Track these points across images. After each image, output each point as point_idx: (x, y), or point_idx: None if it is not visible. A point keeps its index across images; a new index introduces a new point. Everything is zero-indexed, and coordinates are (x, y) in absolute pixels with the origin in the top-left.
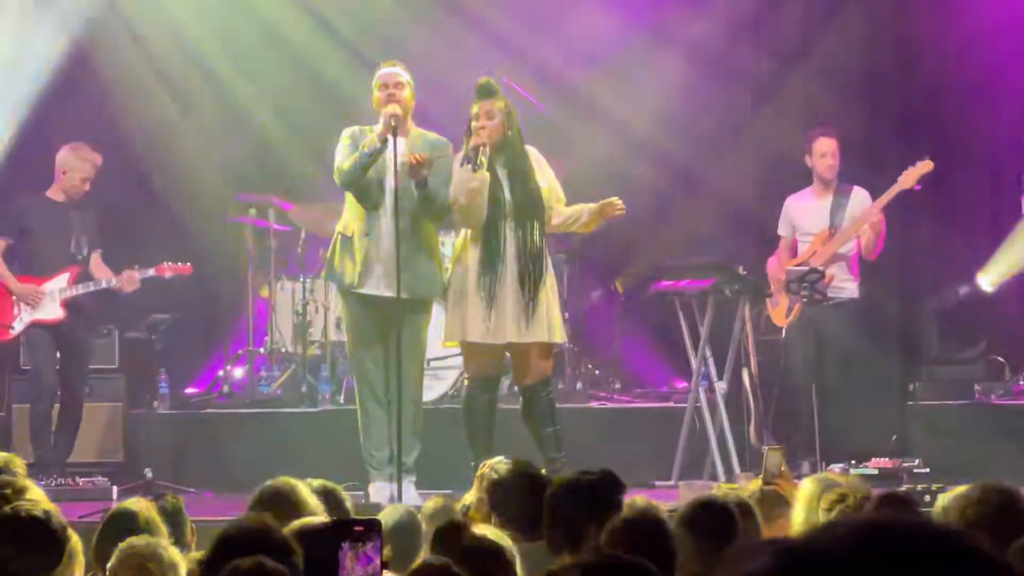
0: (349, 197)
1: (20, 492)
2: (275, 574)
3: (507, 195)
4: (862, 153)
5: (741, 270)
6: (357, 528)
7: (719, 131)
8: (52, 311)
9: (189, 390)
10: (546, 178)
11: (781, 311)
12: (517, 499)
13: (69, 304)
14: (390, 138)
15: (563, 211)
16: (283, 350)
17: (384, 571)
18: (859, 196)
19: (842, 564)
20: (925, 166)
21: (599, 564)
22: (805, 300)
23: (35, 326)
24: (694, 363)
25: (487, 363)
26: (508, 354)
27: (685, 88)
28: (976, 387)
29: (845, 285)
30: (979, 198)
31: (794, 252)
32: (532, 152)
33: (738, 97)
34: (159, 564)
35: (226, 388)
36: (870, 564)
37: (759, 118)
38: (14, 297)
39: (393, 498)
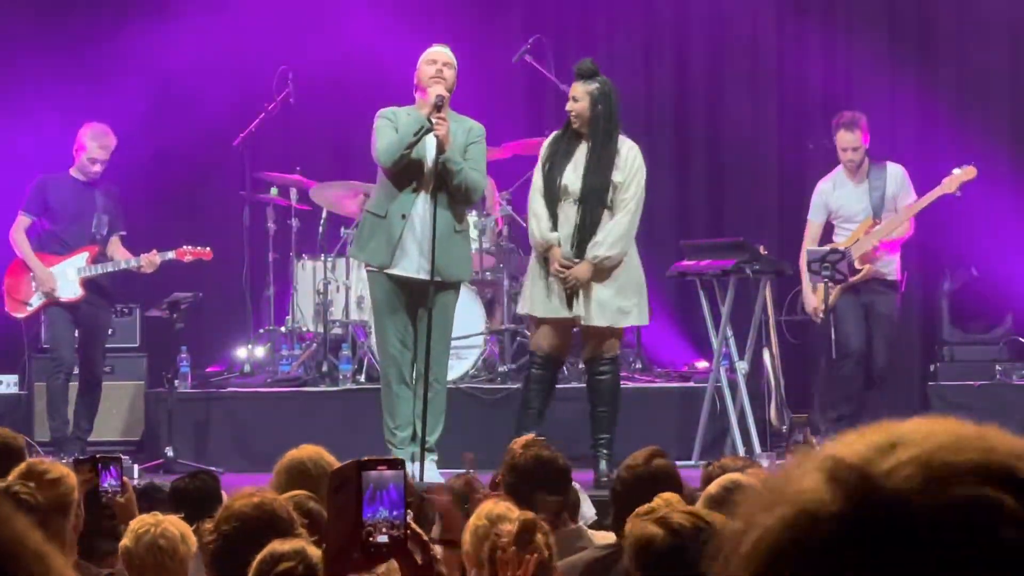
0: (382, 176)
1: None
2: (317, 560)
3: (579, 179)
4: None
5: (763, 250)
6: (381, 468)
7: (746, 105)
8: (71, 290)
9: (210, 369)
10: (624, 175)
11: (819, 297)
12: (529, 481)
13: (88, 283)
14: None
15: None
16: (304, 329)
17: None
18: (894, 171)
19: (902, 498)
20: (968, 173)
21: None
22: (827, 280)
23: (53, 304)
24: (715, 343)
25: (548, 339)
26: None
27: (709, 60)
28: (997, 368)
29: (890, 267)
30: (1002, 176)
31: (827, 238)
32: (625, 145)
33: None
34: (170, 540)
35: (247, 367)
36: (931, 500)
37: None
38: (32, 274)
39: (414, 477)
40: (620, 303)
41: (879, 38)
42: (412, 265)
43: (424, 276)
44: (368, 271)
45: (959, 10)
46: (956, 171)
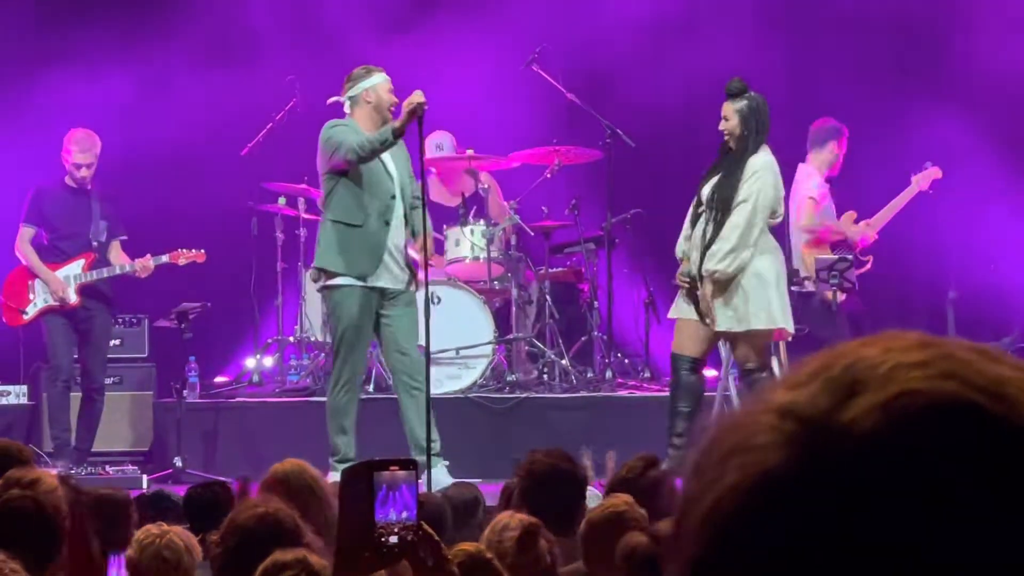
0: (348, 184)
1: (32, 485)
2: (319, 569)
3: (709, 190)
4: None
5: None
6: (393, 468)
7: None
8: (67, 297)
9: (219, 379)
10: (752, 190)
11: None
12: (548, 491)
13: (84, 290)
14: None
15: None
16: (313, 339)
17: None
18: None
19: (871, 451)
20: (934, 173)
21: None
22: (835, 288)
23: (50, 312)
24: (723, 352)
25: (679, 339)
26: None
27: (713, 68)
28: None
29: None
30: (1009, 187)
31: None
32: (758, 159)
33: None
34: (174, 551)
35: (256, 377)
36: (906, 449)
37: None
38: (29, 283)
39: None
40: (720, 309)
41: (886, 55)
42: (391, 274)
43: (401, 286)
44: (340, 285)
45: (968, 31)
46: (927, 169)
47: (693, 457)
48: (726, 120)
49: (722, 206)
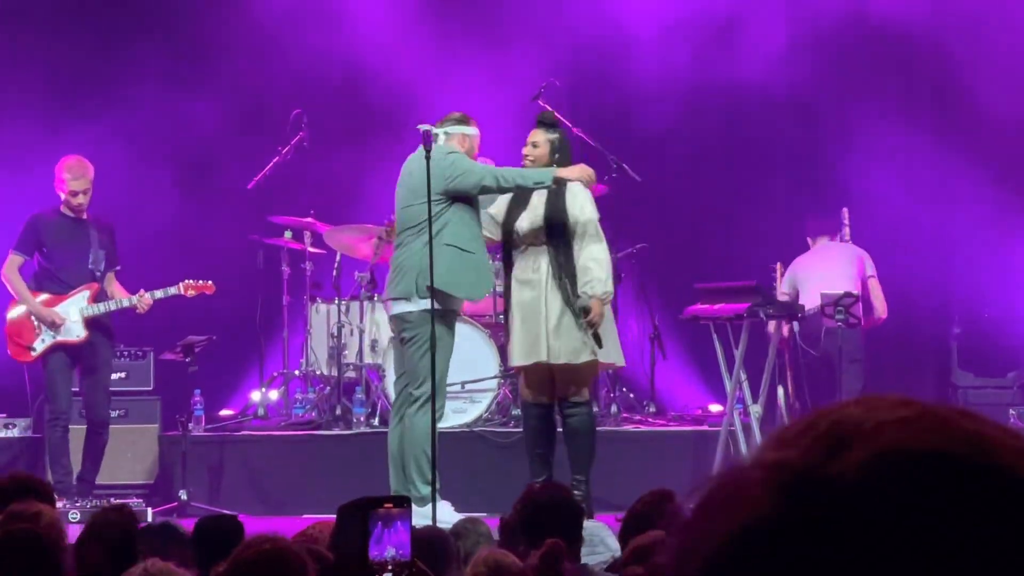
0: (460, 213)
1: (33, 518)
2: None
3: (531, 221)
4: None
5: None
6: (388, 506)
7: (759, 155)
8: (75, 331)
9: (224, 412)
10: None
11: None
12: (546, 522)
13: (91, 323)
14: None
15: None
16: (318, 372)
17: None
18: None
19: (859, 499)
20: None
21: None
22: (840, 323)
23: (57, 348)
24: (728, 386)
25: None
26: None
27: (719, 105)
28: (1011, 412)
29: None
30: (1012, 220)
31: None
32: (573, 187)
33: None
34: None
35: (261, 410)
36: (892, 496)
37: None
38: (35, 318)
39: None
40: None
41: (891, 84)
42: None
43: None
44: (445, 309)
45: (973, 66)
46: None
47: (687, 512)
48: (534, 147)
49: (558, 235)
